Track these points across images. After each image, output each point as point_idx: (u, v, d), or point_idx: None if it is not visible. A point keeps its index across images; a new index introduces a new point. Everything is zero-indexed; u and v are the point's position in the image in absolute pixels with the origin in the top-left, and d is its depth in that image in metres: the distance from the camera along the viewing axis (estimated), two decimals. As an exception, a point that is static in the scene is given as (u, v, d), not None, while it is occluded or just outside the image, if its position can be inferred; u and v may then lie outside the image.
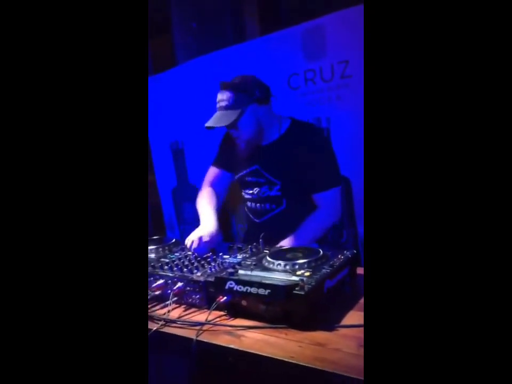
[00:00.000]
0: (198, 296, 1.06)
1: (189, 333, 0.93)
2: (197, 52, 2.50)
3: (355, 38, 1.65)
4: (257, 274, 1.01)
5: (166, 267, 1.17)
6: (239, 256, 1.22)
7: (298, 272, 1.01)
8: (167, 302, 1.05)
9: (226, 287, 0.98)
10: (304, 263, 1.05)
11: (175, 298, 1.08)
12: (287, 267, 1.04)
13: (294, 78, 2.03)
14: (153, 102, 2.59)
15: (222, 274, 1.04)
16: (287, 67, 2.03)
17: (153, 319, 1.01)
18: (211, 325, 0.96)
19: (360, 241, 2.00)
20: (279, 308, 0.92)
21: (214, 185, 1.68)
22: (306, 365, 0.77)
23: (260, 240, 1.28)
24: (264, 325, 0.94)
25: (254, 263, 1.12)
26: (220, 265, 1.15)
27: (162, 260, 1.26)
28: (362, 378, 0.66)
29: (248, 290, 0.94)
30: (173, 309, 1.06)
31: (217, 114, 1.44)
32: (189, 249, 1.30)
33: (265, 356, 0.82)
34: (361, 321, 0.86)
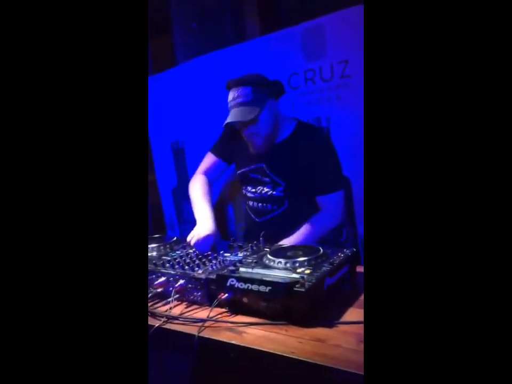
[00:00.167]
0: (199, 293, 1.07)
1: (191, 329, 0.94)
2: (197, 52, 2.49)
3: (355, 38, 1.66)
4: (258, 272, 1.02)
5: (167, 265, 1.18)
6: (240, 254, 1.23)
7: (299, 270, 1.02)
8: (169, 299, 1.06)
9: (228, 284, 0.99)
10: (305, 261, 1.06)
11: (177, 295, 1.09)
12: (288, 265, 1.05)
13: (294, 77, 2.03)
14: (154, 101, 2.59)
15: (223, 271, 1.04)
16: (287, 67, 2.03)
17: (156, 316, 1.02)
18: (213, 322, 0.97)
19: (359, 240, 2.01)
20: (279, 305, 0.93)
21: (208, 173, 1.68)
22: (307, 360, 0.78)
23: (261, 238, 1.29)
24: (265, 321, 0.95)
25: (255, 260, 1.13)
26: (221, 263, 1.16)
27: (164, 257, 1.27)
28: (362, 373, 0.67)
29: (249, 288, 0.95)
30: (175, 306, 1.07)
31: (237, 110, 1.41)
32: (192, 246, 1.30)
33: (266, 352, 0.83)
34: (361, 318, 0.87)
